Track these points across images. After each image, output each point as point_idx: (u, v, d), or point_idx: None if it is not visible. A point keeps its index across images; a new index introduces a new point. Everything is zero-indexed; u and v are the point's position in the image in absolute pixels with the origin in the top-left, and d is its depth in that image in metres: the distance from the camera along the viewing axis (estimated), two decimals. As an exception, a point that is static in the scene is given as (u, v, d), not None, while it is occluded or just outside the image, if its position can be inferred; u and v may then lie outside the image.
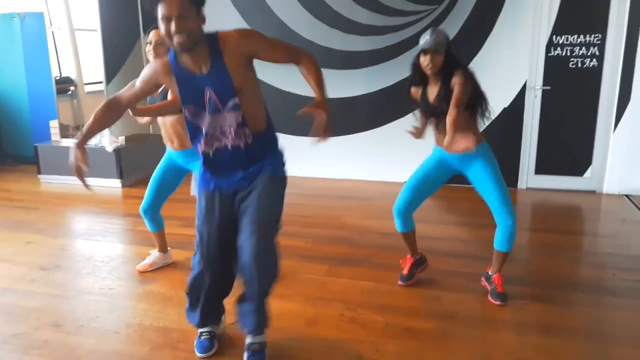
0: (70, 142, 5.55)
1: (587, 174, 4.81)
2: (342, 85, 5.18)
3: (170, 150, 2.98)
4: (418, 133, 2.80)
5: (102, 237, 3.88)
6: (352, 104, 5.23)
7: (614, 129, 4.61)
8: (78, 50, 6.20)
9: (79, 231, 4.18)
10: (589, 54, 4.55)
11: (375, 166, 5.28)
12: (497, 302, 2.72)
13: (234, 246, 2.08)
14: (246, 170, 2.10)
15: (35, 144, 5.62)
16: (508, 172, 4.84)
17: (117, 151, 5.24)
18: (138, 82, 2.11)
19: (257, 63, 2.04)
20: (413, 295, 2.88)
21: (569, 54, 4.59)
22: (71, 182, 5.40)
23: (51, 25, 5.73)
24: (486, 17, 4.70)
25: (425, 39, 2.53)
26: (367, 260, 3.35)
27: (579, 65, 4.59)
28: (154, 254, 3.31)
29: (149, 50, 2.73)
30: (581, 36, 4.53)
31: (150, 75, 2.07)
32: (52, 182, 5.48)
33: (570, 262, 3.36)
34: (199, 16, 1.91)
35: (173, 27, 1.84)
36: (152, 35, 2.72)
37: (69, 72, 6.45)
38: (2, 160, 6.41)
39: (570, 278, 3.10)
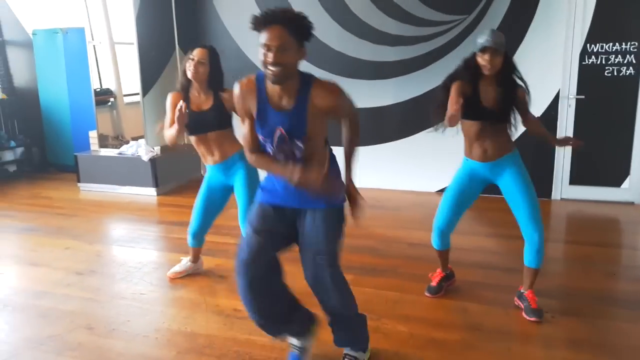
0: (109, 152, 5.78)
1: (625, 184, 4.66)
2: (372, 95, 5.19)
3: (211, 166, 2.97)
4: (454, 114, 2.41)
5: (136, 244, 4.01)
6: (382, 114, 5.23)
7: (653, 139, 4.46)
8: (118, 63, 6.46)
9: (114, 238, 4.33)
10: (625, 62, 4.42)
11: (404, 176, 5.26)
12: (533, 319, 2.64)
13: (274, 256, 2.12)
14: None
15: (75, 154, 5.85)
16: (542, 182, 4.77)
17: (153, 160, 5.40)
18: (240, 120, 2.08)
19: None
20: (438, 306, 2.86)
21: (604, 62, 4.47)
22: (108, 190, 5.60)
23: (92, 39, 5.99)
24: (518, 25, 4.64)
25: (484, 38, 2.47)
26: (392, 270, 3.34)
27: (615, 73, 4.47)
28: (185, 262, 3.38)
29: (189, 66, 2.79)
30: (617, 44, 4.41)
31: (241, 104, 2.02)
32: (90, 190, 5.68)
33: (605, 275, 3.25)
34: (300, 50, 1.87)
35: (270, 57, 1.81)
36: (196, 53, 2.79)
37: (109, 84, 6.73)
38: (45, 168, 6.70)
39: (605, 292, 3.01)
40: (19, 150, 6.54)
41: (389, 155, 5.29)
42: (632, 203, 4.65)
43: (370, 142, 5.32)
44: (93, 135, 5.92)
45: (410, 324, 2.64)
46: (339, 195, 2.13)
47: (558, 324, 2.62)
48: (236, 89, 2.02)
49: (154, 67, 5.59)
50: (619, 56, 4.43)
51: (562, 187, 4.82)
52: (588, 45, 4.50)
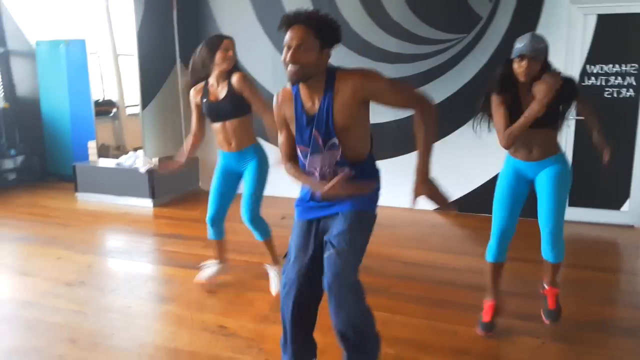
0: (107, 162, 5.78)
1: (625, 207, 4.60)
2: (371, 111, 5.17)
3: (225, 153, 3.13)
4: None
5: (129, 256, 3.98)
6: (380, 131, 5.20)
7: (654, 161, 4.42)
8: (121, 74, 6.50)
9: (107, 249, 4.30)
10: (625, 83, 4.40)
11: (401, 193, 5.20)
12: (546, 321, 2.59)
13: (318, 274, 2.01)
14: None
15: (73, 163, 5.85)
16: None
17: (150, 172, 5.39)
18: (278, 130, 2.13)
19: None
20: (428, 329, 2.80)
21: (603, 83, 4.45)
22: (106, 200, 5.59)
23: (95, 51, 6.04)
24: (518, 45, 4.63)
25: (523, 43, 2.39)
26: (384, 290, 3.28)
27: (615, 95, 4.44)
28: (211, 264, 3.36)
29: (224, 57, 2.95)
30: (616, 66, 4.39)
31: (277, 112, 2.08)
32: (88, 200, 5.67)
33: (601, 301, 3.17)
34: (322, 52, 1.88)
35: (288, 55, 1.85)
36: (226, 44, 2.98)
37: (112, 95, 6.76)
38: (44, 177, 6.70)
39: (600, 318, 2.93)
40: (19, 158, 6.55)
41: (386, 172, 5.19)
42: (632, 226, 4.59)
43: (368, 158, 5.29)
44: (92, 145, 5.94)
45: (398, 346, 2.58)
46: (370, 197, 2.11)
47: (548, 350, 2.56)
48: (274, 99, 2.09)
49: (155, 80, 5.61)
50: (619, 77, 4.41)
51: (561, 209, 4.77)
52: (587, 66, 4.48)
